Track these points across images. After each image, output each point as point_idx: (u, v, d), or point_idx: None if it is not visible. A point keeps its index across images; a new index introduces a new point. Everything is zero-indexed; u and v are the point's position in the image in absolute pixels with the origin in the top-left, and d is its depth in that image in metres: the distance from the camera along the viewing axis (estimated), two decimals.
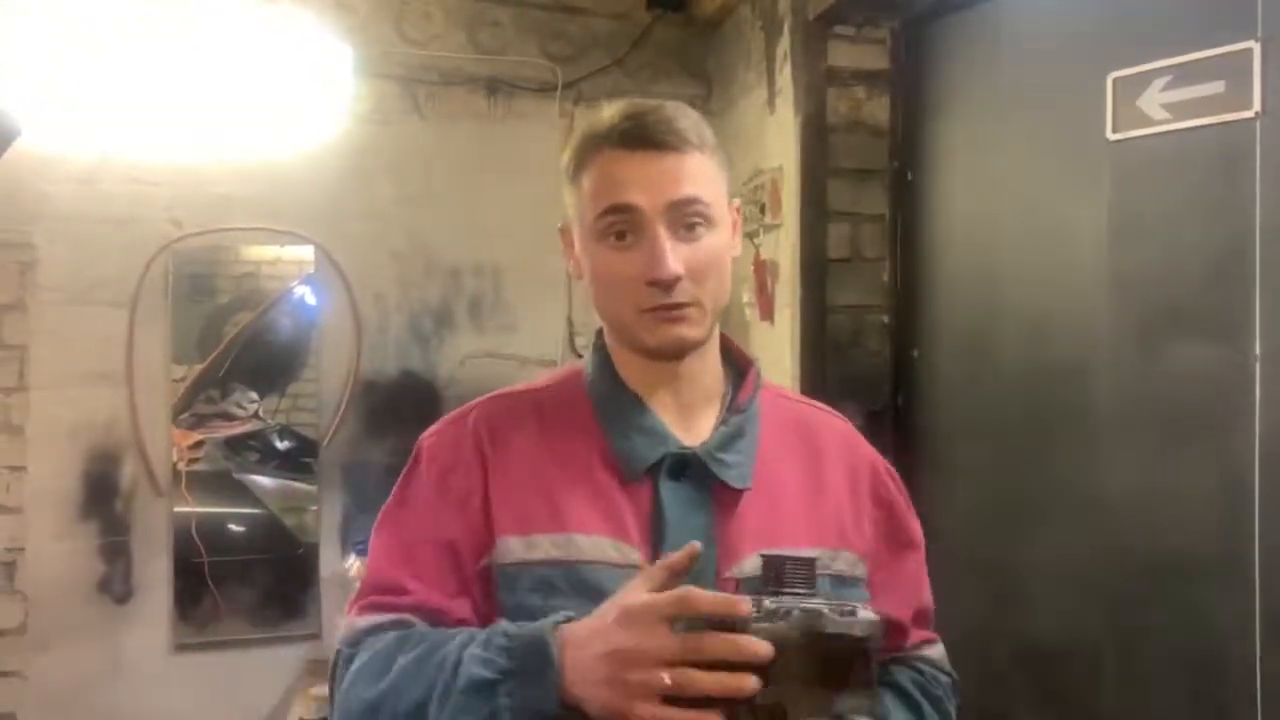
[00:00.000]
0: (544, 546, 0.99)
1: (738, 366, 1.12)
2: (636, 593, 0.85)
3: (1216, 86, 1.71)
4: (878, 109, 2.52)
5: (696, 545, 0.87)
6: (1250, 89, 1.66)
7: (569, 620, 0.90)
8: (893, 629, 1.06)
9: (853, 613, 0.82)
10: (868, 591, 1.06)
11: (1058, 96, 2.03)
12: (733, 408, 1.07)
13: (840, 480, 1.09)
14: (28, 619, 2.73)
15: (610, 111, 1.03)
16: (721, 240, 1.03)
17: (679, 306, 0.99)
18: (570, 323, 3.07)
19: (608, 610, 0.87)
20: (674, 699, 0.81)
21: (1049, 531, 2.03)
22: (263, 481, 3.00)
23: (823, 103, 2.49)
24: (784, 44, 2.59)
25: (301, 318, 3.00)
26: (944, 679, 1.13)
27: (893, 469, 1.16)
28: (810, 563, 0.88)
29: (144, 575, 2.81)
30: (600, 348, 1.10)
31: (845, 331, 2.50)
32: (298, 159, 2.88)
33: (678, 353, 1.03)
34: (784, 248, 2.56)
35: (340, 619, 1.10)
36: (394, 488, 1.09)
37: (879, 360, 2.50)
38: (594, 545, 0.99)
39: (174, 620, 2.83)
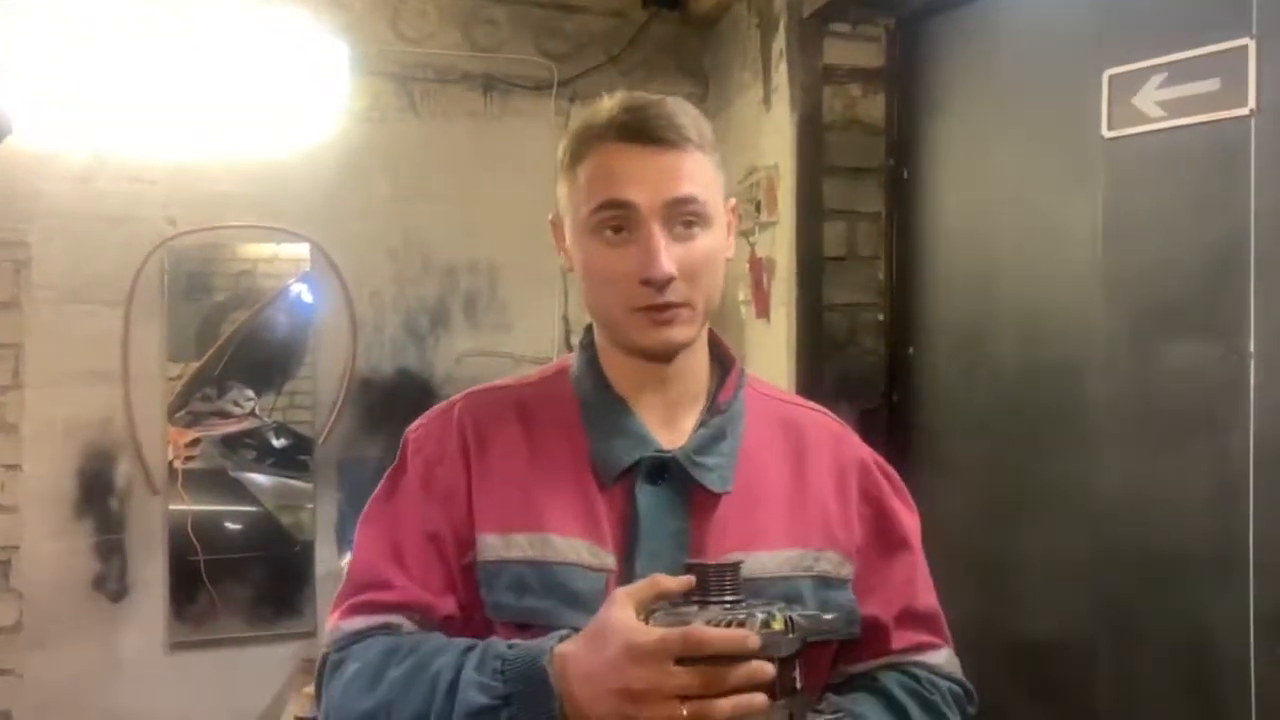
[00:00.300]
0: (521, 545, 0.99)
1: (724, 364, 1.10)
2: (645, 631, 0.84)
3: (1212, 84, 1.70)
4: (873, 107, 2.52)
5: (691, 580, 0.87)
6: (1245, 86, 1.66)
7: (563, 639, 0.89)
8: (871, 631, 1.05)
9: (769, 620, 0.82)
10: (853, 592, 1.05)
11: (1053, 94, 2.03)
12: (713, 408, 1.06)
13: (826, 479, 1.07)
14: (23, 617, 2.73)
15: (610, 104, 1.01)
16: (716, 240, 1.02)
17: (670, 307, 0.98)
18: (566, 321, 3.07)
19: (608, 638, 0.85)
20: None
21: (1043, 529, 2.03)
22: (259, 479, 2.99)
23: (818, 100, 2.49)
24: (779, 42, 2.59)
25: (297, 316, 2.99)
26: (945, 685, 1.08)
27: (887, 465, 1.14)
28: (735, 568, 0.87)
29: (139, 573, 2.81)
30: (588, 345, 1.09)
31: (841, 329, 2.50)
32: (293, 157, 2.88)
33: (667, 354, 1.03)
34: (780, 245, 2.57)
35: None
36: (382, 480, 1.09)
37: (874, 358, 2.51)
38: (569, 547, 0.98)
39: (169, 618, 2.83)
